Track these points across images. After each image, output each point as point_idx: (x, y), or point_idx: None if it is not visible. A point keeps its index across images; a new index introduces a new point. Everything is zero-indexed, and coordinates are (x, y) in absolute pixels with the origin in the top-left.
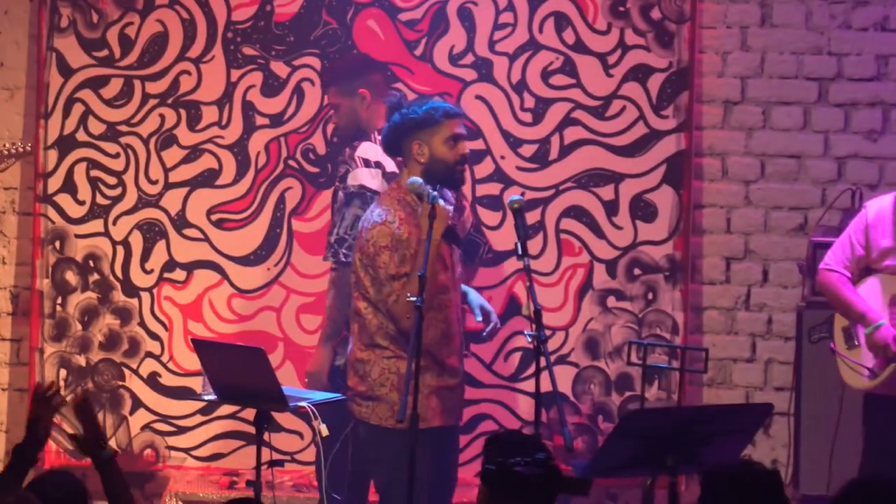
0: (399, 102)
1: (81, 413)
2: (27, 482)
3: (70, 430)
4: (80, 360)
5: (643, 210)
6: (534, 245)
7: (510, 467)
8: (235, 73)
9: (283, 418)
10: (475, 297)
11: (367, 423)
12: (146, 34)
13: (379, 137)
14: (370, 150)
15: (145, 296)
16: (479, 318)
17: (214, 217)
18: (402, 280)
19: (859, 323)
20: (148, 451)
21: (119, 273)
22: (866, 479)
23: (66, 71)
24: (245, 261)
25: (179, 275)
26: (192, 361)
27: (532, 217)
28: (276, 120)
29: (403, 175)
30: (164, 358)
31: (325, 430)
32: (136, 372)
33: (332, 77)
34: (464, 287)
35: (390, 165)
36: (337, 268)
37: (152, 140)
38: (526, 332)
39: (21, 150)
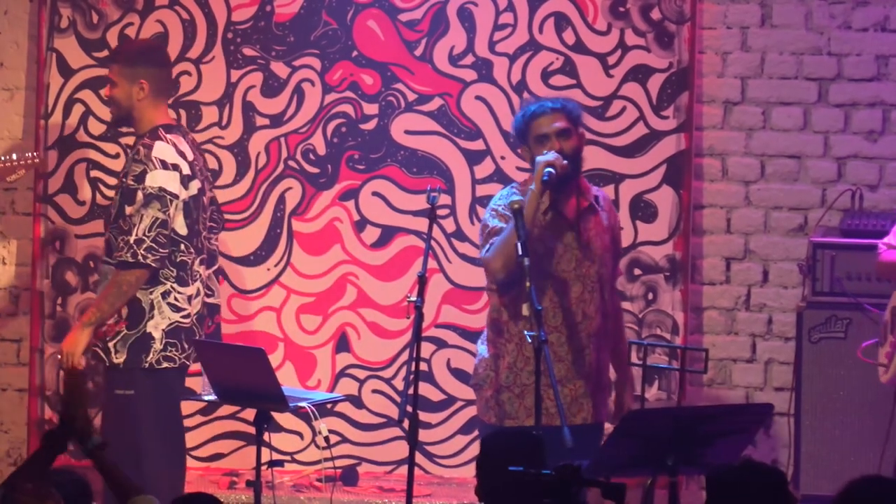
0: None
1: (72, 393)
2: None
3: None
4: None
5: (643, 210)
6: None
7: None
8: (235, 74)
9: (283, 418)
10: None
11: (478, 414)
12: (146, 35)
13: (169, 137)
14: (167, 151)
15: None
16: None
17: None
18: (497, 236)
19: None
20: None
21: None
22: (867, 479)
23: (66, 71)
24: (245, 261)
25: None
26: None
27: None
28: (277, 120)
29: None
30: None
31: (325, 430)
32: None
33: (119, 54)
34: None
35: (185, 167)
36: (127, 267)
37: None
38: (526, 332)
39: (30, 161)
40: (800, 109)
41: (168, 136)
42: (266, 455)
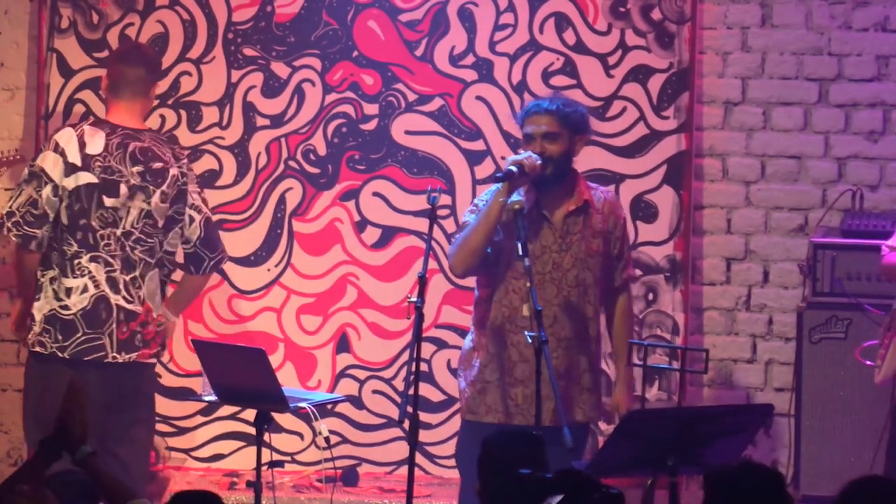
0: None
1: (72, 402)
2: None
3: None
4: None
5: (644, 211)
6: None
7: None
8: (236, 74)
9: (283, 419)
10: None
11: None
12: (147, 35)
13: (86, 127)
14: (65, 136)
15: None
16: None
17: (215, 218)
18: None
19: None
20: None
21: None
22: (866, 479)
23: (67, 72)
24: (245, 261)
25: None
26: (193, 362)
27: None
28: (277, 121)
29: None
30: (165, 358)
31: (325, 431)
32: None
33: (111, 53)
34: None
35: (73, 156)
36: (16, 240)
37: None
38: (526, 333)
39: (11, 157)
40: (800, 110)
41: (86, 126)
42: (266, 455)
